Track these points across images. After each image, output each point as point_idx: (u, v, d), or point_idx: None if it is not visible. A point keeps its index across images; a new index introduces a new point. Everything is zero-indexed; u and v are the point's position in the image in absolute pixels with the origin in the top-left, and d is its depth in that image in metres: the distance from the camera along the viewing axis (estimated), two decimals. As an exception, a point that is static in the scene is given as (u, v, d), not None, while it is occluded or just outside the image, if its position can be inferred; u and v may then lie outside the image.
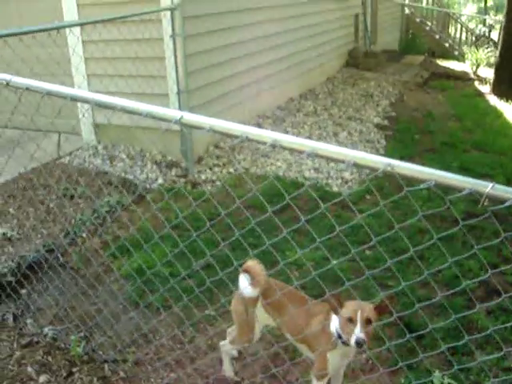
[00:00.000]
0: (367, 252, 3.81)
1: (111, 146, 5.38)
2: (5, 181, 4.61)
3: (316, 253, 3.70)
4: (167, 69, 4.85)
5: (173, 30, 4.64)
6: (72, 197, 4.39)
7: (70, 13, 5.19)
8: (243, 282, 2.37)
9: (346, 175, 4.98)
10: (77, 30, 5.00)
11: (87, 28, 4.81)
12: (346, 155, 1.57)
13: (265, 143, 1.63)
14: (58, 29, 3.90)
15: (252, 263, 2.39)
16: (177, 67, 4.71)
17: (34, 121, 4.94)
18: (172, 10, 4.60)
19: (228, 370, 2.66)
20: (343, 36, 10.09)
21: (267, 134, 1.64)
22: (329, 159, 1.64)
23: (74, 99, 1.94)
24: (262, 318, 2.45)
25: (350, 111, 7.17)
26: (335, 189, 4.75)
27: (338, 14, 9.57)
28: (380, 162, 1.53)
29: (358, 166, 1.58)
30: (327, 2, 8.98)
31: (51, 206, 4.29)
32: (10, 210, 4.24)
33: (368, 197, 4.65)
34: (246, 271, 2.37)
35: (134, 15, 4.53)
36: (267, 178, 4.76)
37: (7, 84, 2.11)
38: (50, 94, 2.01)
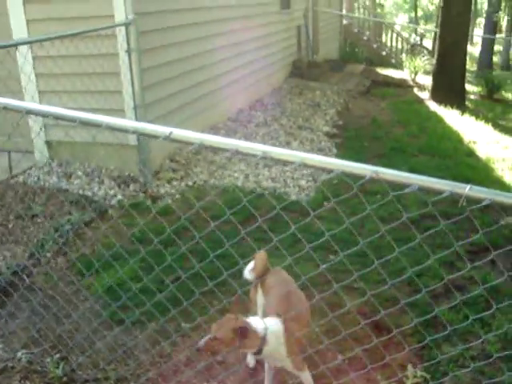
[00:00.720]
0: (331, 256, 3.91)
1: (66, 164, 5.30)
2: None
3: (285, 260, 3.76)
4: (123, 84, 4.84)
5: (128, 44, 4.64)
6: (32, 216, 4.30)
7: (18, 29, 5.10)
8: (248, 267, 2.70)
9: (303, 183, 5.10)
10: (24, 46, 4.92)
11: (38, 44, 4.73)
12: (334, 164, 1.66)
13: (255, 156, 1.69)
14: (10, 46, 3.87)
15: (259, 254, 2.70)
16: (133, 82, 4.71)
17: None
18: (126, 25, 4.60)
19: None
20: (287, 47, 10.29)
21: (257, 147, 1.70)
22: (317, 169, 1.71)
23: (59, 118, 1.93)
24: (260, 298, 2.63)
25: (299, 121, 7.32)
26: (293, 197, 4.84)
27: (282, 26, 9.78)
28: (367, 169, 1.62)
29: (345, 174, 1.66)
30: (272, 15, 9.17)
31: (10, 226, 4.19)
32: None
33: (326, 203, 4.77)
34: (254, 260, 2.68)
35: (86, 32, 4.48)
36: (226, 190, 4.81)
37: (-18, 105, 2.08)
38: (29, 112, 2.00)
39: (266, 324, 2.31)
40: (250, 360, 2.84)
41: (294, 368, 2.42)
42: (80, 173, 5.10)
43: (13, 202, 4.58)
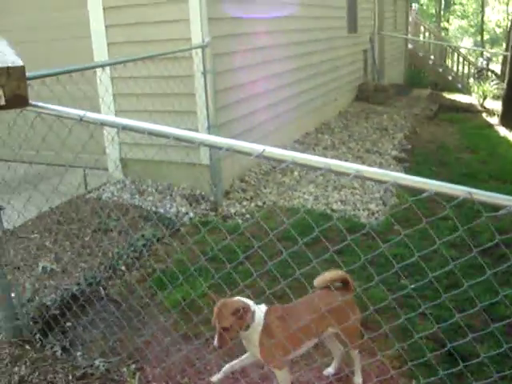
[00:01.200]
0: (402, 281, 3.85)
1: (138, 181, 5.47)
2: (37, 214, 4.67)
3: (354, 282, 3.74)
4: (198, 104, 4.98)
5: (204, 66, 4.78)
6: (106, 231, 4.45)
7: (100, 52, 5.35)
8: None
9: (372, 207, 5.05)
10: (107, 67, 5.15)
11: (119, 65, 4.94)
12: (427, 184, 1.66)
13: (347, 174, 1.70)
14: (97, 67, 4.09)
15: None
16: (207, 102, 4.84)
17: (61, 155, 5.09)
18: (203, 47, 4.75)
19: None
20: (353, 71, 10.32)
21: (350, 166, 1.72)
22: (409, 189, 1.72)
23: (153, 134, 2.01)
24: None
25: (367, 144, 7.30)
26: (363, 220, 4.81)
27: (349, 49, 9.83)
28: (460, 189, 1.61)
29: (437, 195, 1.65)
30: (340, 39, 9.24)
31: (86, 239, 4.35)
32: (47, 243, 4.30)
33: (396, 227, 4.71)
34: None
35: (165, 53, 4.69)
36: (296, 211, 4.83)
37: (81, 119, 2.20)
38: (125, 128, 2.10)
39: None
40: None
41: (267, 362, 2.50)
42: (153, 190, 5.26)
43: (88, 216, 4.75)
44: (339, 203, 5.11)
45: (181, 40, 4.93)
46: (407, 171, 6.37)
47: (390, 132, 8.12)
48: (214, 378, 2.63)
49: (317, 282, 2.64)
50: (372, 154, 6.87)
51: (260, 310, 2.45)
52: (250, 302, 2.45)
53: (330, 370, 2.86)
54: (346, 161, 6.44)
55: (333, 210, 4.95)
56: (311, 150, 6.92)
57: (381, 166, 6.38)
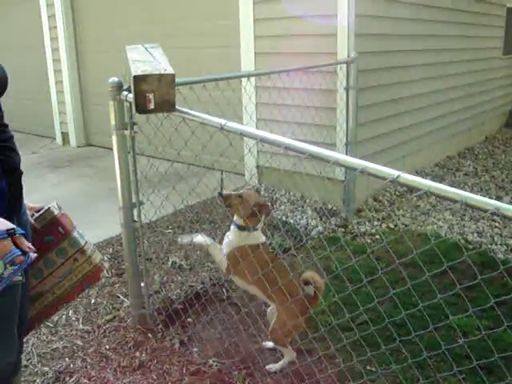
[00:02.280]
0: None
1: (272, 189, 5.57)
2: (173, 211, 4.91)
3: (482, 321, 3.52)
4: (338, 119, 4.97)
5: (347, 82, 4.76)
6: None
7: (247, 61, 5.53)
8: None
9: (512, 242, 4.72)
10: (252, 78, 5.32)
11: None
12: None
13: (485, 210, 1.61)
14: (238, 78, 4.24)
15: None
16: (348, 118, 4.81)
17: (200, 157, 5.31)
18: (348, 63, 4.73)
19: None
20: (504, 95, 9.71)
21: (489, 202, 1.62)
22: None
23: (288, 148, 2.04)
24: None
25: (513, 175, 6.84)
26: (500, 256, 4.51)
27: (502, 72, 9.28)
28: None
29: None
30: (492, 61, 8.76)
31: (216, 240, 4.49)
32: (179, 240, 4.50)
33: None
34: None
35: (310, 67, 4.73)
36: (428, 237, 4.64)
37: (221, 128, 2.28)
38: (262, 140, 2.14)
39: None
40: None
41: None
42: (285, 200, 5.32)
43: (221, 218, 4.91)
44: (475, 234, 4.83)
45: (326, 54, 4.95)
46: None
47: (541, 164, 7.54)
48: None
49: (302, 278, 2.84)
50: (517, 185, 6.43)
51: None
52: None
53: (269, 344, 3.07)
54: (487, 190, 6.11)
55: (467, 242, 4.69)
56: (451, 175, 6.62)
57: (526, 199, 5.95)
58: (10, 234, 1.64)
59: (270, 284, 2.71)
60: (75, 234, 2.20)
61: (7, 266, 1.63)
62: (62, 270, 2.19)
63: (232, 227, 2.85)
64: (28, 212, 2.14)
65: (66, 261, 2.19)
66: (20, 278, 1.69)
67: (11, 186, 1.84)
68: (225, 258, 2.83)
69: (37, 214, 2.14)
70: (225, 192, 2.76)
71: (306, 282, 2.83)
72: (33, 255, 1.69)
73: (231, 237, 2.83)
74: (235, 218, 2.81)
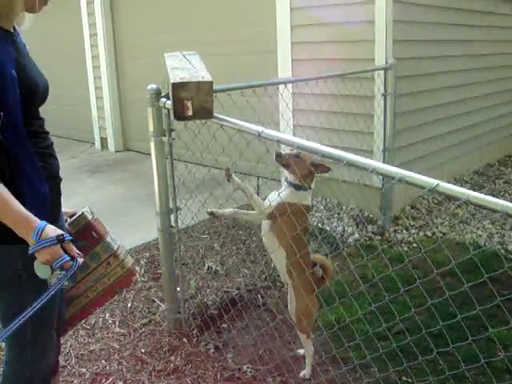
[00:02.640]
0: None
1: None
2: (210, 217, 4.93)
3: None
4: (376, 126, 4.93)
5: (385, 88, 4.72)
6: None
7: (284, 67, 5.54)
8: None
9: (555, 253, 4.60)
10: (289, 84, 5.32)
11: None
12: None
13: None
14: (275, 84, 4.26)
15: None
16: (385, 125, 4.77)
17: (238, 164, 5.32)
18: (386, 69, 4.69)
19: None
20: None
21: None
22: None
23: (326, 156, 2.03)
24: None
25: (557, 183, 6.66)
26: (542, 267, 4.40)
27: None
28: None
29: None
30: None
31: (252, 246, 4.51)
32: (215, 245, 4.54)
33: None
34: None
35: (348, 74, 4.72)
36: (466, 246, 4.56)
37: (259, 135, 2.29)
38: (300, 148, 2.15)
39: None
40: None
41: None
42: (321, 206, 5.30)
43: (258, 224, 4.91)
44: (516, 244, 4.72)
45: (363, 60, 4.92)
46: None
47: None
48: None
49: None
50: (560, 194, 6.26)
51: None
52: None
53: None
54: (529, 199, 5.96)
55: (508, 251, 4.59)
56: (491, 183, 6.49)
57: None
58: (59, 240, 1.68)
59: (295, 255, 2.74)
60: (108, 238, 2.23)
61: (56, 270, 1.68)
62: (96, 274, 2.23)
63: (285, 186, 2.85)
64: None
65: (100, 265, 2.22)
66: (67, 283, 1.73)
67: (52, 192, 1.88)
68: (273, 206, 2.78)
69: (70, 220, 2.18)
70: (282, 152, 2.82)
71: (315, 264, 2.90)
72: (80, 260, 1.74)
73: (285, 192, 2.81)
74: (290, 177, 2.82)
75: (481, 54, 6.68)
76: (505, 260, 4.25)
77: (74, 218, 2.19)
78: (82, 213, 2.20)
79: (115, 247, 2.24)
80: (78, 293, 2.26)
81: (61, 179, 2.02)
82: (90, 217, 2.20)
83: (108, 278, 2.25)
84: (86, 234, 2.18)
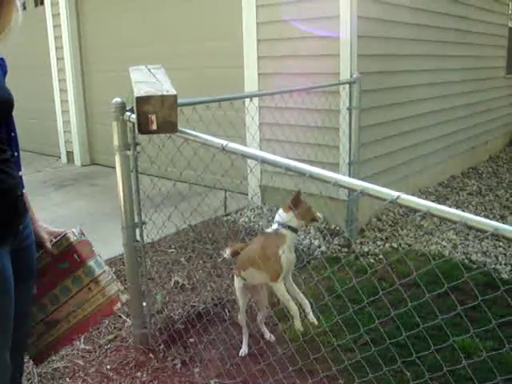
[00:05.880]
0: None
1: (276, 209, 5.56)
2: (175, 231, 4.91)
3: (485, 343, 3.49)
4: (341, 139, 4.98)
5: (350, 102, 4.78)
6: (238, 254, 4.55)
7: (251, 81, 5.57)
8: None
9: (516, 262, 4.70)
10: (255, 98, 5.35)
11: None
12: None
13: (484, 231, 1.60)
14: (241, 98, 4.28)
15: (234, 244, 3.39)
16: (350, 139, 4.82)
17: (203, 177, 5.33)
18: (350, 83, 4.76)
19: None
20: (506, 115, 9.74)
21: (488, 223, 1.61)
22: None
23: (290, 170, 2.05)
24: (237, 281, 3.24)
25: (517, 194, 6.83)
26: (504, 276, 4.49)
27: (506, 91, 9.33)
28: None
29: None
30: (496, 80, 8.81)
31: (218, 260, 4.50)
32: (182, 259, 4.51)
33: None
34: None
35: (313, 88, 4.78)
36: (431, 257, 4.63)
37: (223, 148, 2.29)
38: (263, 161, 2.16)
39: None
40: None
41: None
42: (288, 220, 5.31)
43: (223, 238, 4.91)
44: (479, 254, 4.80)
45: (329, 74, 4.98)
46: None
47: (545, 183, 7.52)
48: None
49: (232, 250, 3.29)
50: (521, 205, 6.41)
51: None
52: None
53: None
54: (491, 209, 6.10)
55: (471, 261, 4.67)
56: (455, 195, 6.62)
57: (531, 219, 5.93)
58: None
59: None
60: (91, 262, 2.20)
61: None
62: (77, 298, 2.19)
63: (286, 231, 3.03)
64: (46, 237, 2.14)
65: (81, 290, 2.19)
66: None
67: (4, 209, 1.83)
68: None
69: (54, 240, 2.15)
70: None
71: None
72: None
73: (289, 243, 3.03)
74: (293, 220, 3.04)
75: (445, 68, 6.85)
76: (464, 270, 4.30)
77: (57, 238, 2.16)
78: (65, 234, 2.17)
79: (98, 272, 2.21)
80: (60, 317, 2.22)
81: (17, 196, 1.94)
82: (73, 238, 2.17)
83: (89, 305, 2.22)
84: (68, 255, 2.15)
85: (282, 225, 3.01)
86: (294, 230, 3.03)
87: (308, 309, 3.07)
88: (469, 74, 7.61)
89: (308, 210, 3.08)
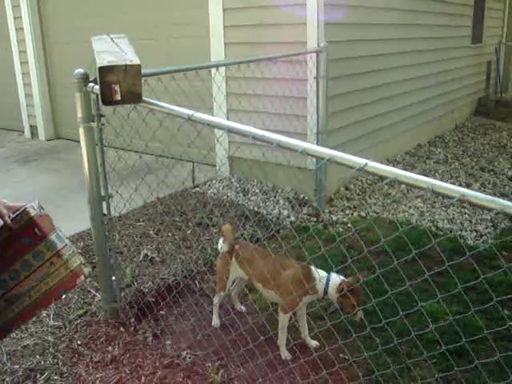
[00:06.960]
0: (506, 311, 3.62)
1: (244, 180, 5.56)
2: (144, 204, 4.86)
3: (451, 307, 3.57)
4: (309, 109, 4.97)
5: (317, 71, 4.75)
6: (207, 226, 4.55)
7: (217, 51, 5.49)
8: (220, 241, 3.23)
9: (481, 228, 4.79)
10: (222, 68, 5.28)
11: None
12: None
13: (451, 197, 1.62)
14: (206, 68, 4.21)
15: (225, 227, 3.18)
16: (318, 108, 4.81)
17: (170, 149, 5.27)
18: (318, 52, 4.72)
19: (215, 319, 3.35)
20: (474, 83, 9.85)
21: (455, 189, 1.62)
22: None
23: (257, 139, 2.03)
24: (236, 270, 3.15)
25: (482, 162, 6.93)
26: (470, 242, 4.58)
27: (471, 61, 9.40)
28: None
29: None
30: (461, 50, 8.85)
31: (187, 232, 4.48)
32: (151, 232, 4.48)
33: (505, 253, 4.44)
34: (222, 233, 3.21)
35: (280, 57, 4.71)
36: (399, 225, 4.69)
37: (189, 118, 2.25)
38: (230, 130, 2.13)
39: None
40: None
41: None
42: (257, 190, 5.31)
43: (192, 210, 4.89)
44: (446, 221, 4.89)
45: (296, 43, 4.94)
46: (524, 195, 5.98)
47: (509, 150, 7.65)
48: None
49: (228, 242, 3.17)
50: (486, 172, 6.51)
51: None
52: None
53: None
54: (456, 177, 6.19)
55: (438, 228, 4.75)
56: (422, 163, 6.70)
57: (494, 186, 6.03)
58: None
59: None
60: (53, 236, 2.15)
61: None
62: (39, 273, 2.15)
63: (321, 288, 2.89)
64: (5, 211, 2.08)
65: (43, 264, 2.14)
66: None
67: None
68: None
69: (13, 215, 2.09)
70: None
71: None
72: None
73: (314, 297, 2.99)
74: (333, 295, 2.86)
75: (413, 37, 6.86)
76: (432, 237, 4.38)
77: (17, 213, 2.10)
78: (25, 208, 2.10)
79: (60, 246, 2.15)
80: (22, 292, 2.17)
81: None
82: (33, 213, 2.10)
83: (52, 279, 2.17)
84: (28, 230, 2.09)
85: (326, 284, 2.86)
86: (325, 294, 2.88)
87: (305, 333, 3.09)
88: (436, 43, 7.64)
89: (351, 306, 2.76)
